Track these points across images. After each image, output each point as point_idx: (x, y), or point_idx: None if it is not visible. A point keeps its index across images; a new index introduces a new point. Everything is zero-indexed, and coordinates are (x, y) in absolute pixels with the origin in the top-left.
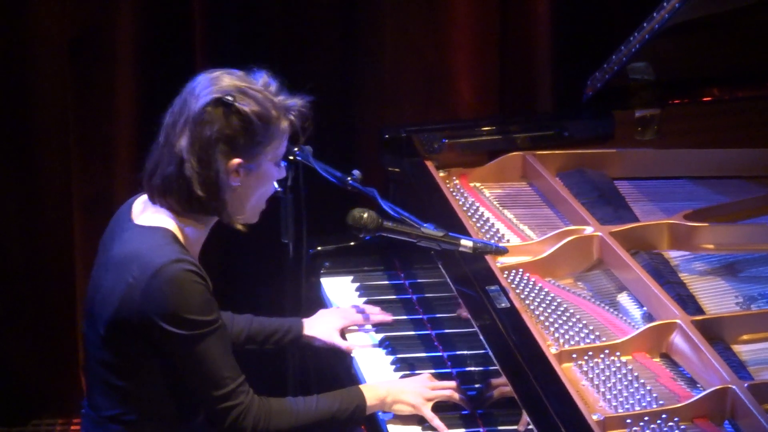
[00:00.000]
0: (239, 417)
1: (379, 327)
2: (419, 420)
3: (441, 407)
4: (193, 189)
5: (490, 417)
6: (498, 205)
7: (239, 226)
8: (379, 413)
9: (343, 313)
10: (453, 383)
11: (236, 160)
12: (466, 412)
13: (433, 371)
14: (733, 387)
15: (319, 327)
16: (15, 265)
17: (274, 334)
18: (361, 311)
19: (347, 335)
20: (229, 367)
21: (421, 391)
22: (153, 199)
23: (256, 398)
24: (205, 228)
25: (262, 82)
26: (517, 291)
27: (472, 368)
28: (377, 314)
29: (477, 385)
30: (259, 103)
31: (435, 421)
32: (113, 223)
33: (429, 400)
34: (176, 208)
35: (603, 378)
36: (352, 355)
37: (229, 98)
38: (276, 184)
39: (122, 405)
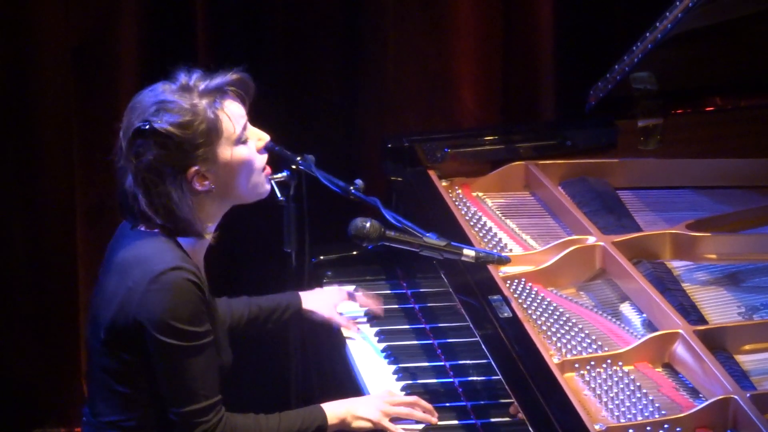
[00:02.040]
0: None
1: (381, 336)
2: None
3: (442, 416)
4: (153, 218)
5: (491, 427)
6: (500, 215)
7: (208, 237)
8: None
9: (339, 291)
10: (413, 398)
11: (191, 169)
12: (466, 422)
13: (435, 380)
14: (736, 397)
15: (318, 302)
16: (18, 272)
17: (274, 312)
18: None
19: (350, 344)
20: (208, 384)
21: (380, 406)
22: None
23: (226, 416)
24: (198, 242)
25: (182, 80)
26: (520, 300)
27: (475, 378)
28: (371, 302)
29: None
30: (177, 112)
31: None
32: (120, 229)
33: (387, 414)
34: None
35: (605, 388)
36: (355, 364)
37: (145, 124)
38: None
39: (123, 411)
